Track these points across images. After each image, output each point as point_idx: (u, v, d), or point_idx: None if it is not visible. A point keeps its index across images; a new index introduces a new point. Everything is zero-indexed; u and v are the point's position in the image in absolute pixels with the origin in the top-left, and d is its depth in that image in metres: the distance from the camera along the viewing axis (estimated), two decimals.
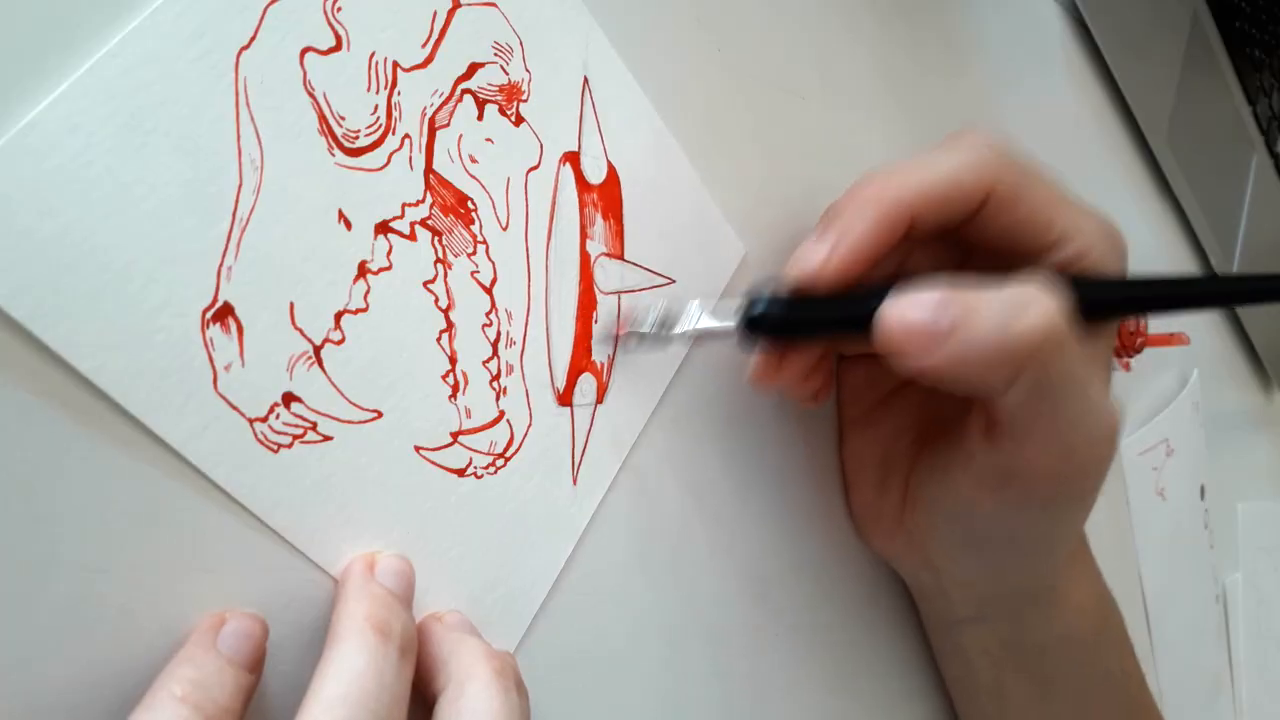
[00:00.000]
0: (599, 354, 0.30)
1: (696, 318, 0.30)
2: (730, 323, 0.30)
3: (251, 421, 0.22)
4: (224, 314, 0.21)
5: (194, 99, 0.21)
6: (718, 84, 0.35)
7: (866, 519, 0.38)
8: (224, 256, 0.21)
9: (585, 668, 0.29)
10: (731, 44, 0.36)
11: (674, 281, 0.32)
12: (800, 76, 0.39)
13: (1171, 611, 0.63)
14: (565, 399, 0.29)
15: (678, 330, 0.30)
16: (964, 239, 0.32)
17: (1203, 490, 0.69)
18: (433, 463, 0.25)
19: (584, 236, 0.30)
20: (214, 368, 0.21)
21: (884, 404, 0.37)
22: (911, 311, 0.27)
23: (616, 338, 0.30)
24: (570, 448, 0.29)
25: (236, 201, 0.22)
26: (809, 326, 0.30)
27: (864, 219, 0.29)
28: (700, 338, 0.30)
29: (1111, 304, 0.32)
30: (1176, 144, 0.70)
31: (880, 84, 0.44)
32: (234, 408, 0.21)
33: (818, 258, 0.29)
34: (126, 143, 0.20)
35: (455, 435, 0.26)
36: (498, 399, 0.27)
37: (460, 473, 0.26)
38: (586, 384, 0.29)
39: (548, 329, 0.29)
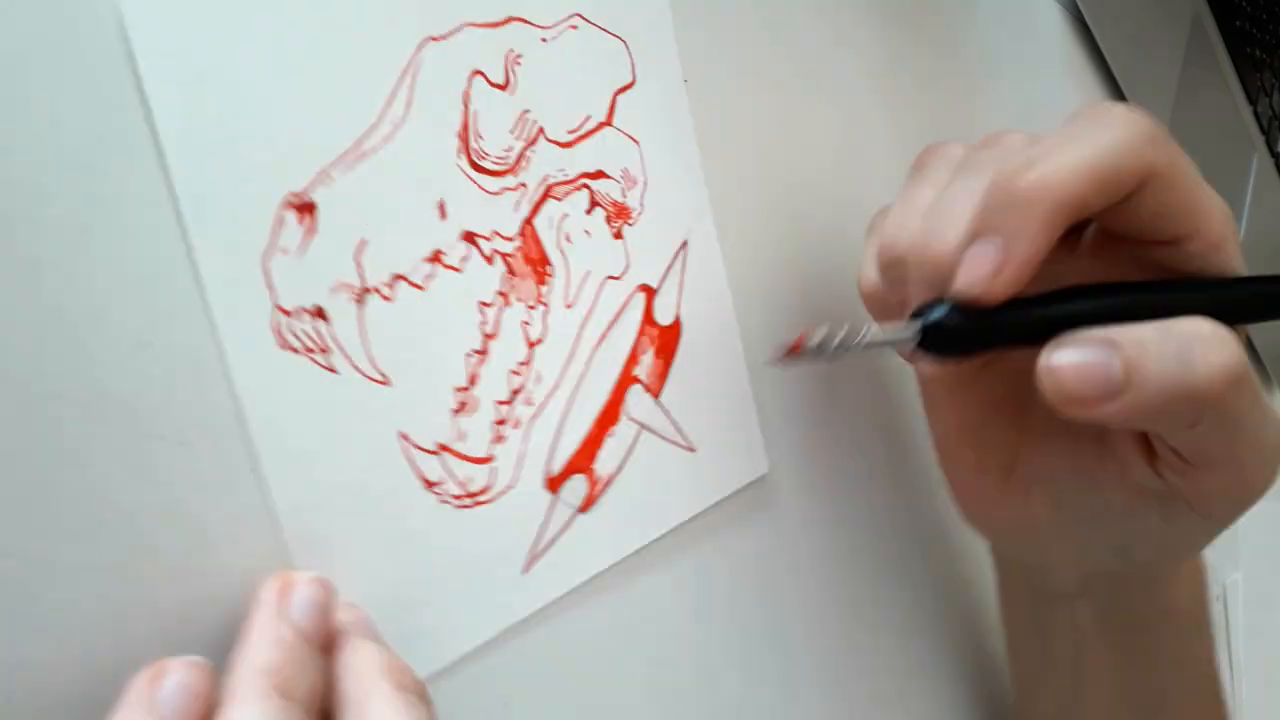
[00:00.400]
0: (607, 466, 0.30)
1: (869, 334, 0.29)
2: (905, 334, 0.28)
3: (278, 308, 0.22)
4: (307, 208, 0.23)
5: (377, 45, 0.24)
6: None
7: (964, 494, 0.35)
8: (335, 165, 0.23)
9: None
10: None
11: (693, 451, 0.33)
12: (802, 77, 0.39)
13: None
14: (554, 486, 0.28)
15: (856, 341, 0.28)
16: (1103, 222, 0.30)
17: None
18: (409, 458, 0.25)
19: (632, 359, 0.31)
20: (275, 242, 0.22)
21: (966, 380, 0.33)
22: (1084, 361, 0.25)
23: (796, 348, 0.29)
24: (536, 535, 0.28)
25: (366, 133, 0.24)
26: (983, 339, 0.28)
27: (1032, 222, 0.26)
28: (870, 347, 0.29)
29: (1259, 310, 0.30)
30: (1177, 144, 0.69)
31: (879, 85, 0.44)
32: (270, 285, 0.22)
33: (986, 272, 0.26)
34: (317, 37, 0.23)
35: (442, 447, 0.26)
36: (493, 443, 0.27)
37: (429, 484, 0.25)
38: (578, 484, 0.29)
39: (566, 414, 0.29)
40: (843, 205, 0.42)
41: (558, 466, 0.28)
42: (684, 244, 0.33)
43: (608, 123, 0.30)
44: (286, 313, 0.23)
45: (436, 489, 0.26)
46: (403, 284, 0.25)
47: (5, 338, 0.19)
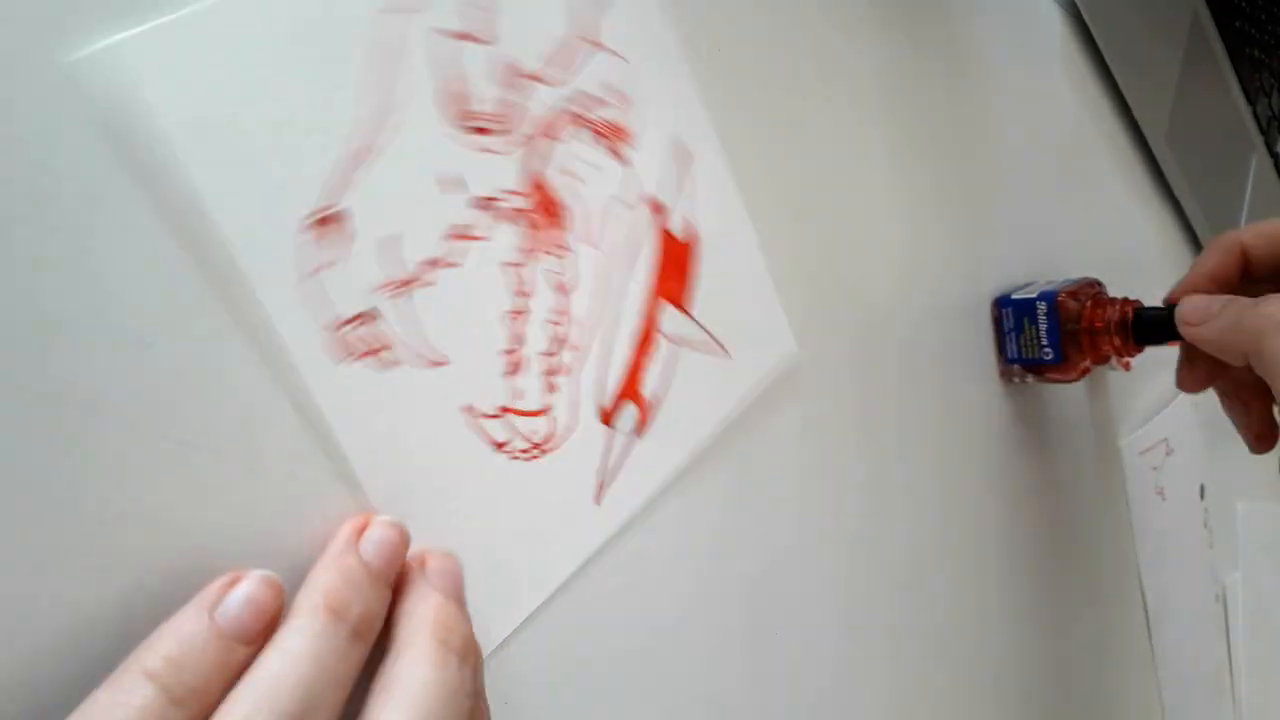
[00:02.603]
0: (652, 388, 0.32)
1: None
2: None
3: (336, 323, 0.24)
4: (338, 218, 0.24)
5: (370, 36, 0.24)
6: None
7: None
8: (357, 170, 0.24)
9: (572, 683, 0.29)
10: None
11: (728, 354, 0.34)
12: (803, 79, 0.40)
13: (1171, 611, 0.62)
14: (608, 419, 0.30)
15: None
16: None
17: (1202, 490, 0.68)
18: (477, 428, 0.27)
19: (658, 280, 0.32)
20: (318, 259, 0.23)
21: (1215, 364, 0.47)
22: (1194, 301, 0.42)
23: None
24: (602, 468, 0.30)
25: (379, 130, 0.25)
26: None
27: (1204, 255, 0.45)
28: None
29: None
30: (1176, 144, 0.70)
31: (880, 86, 0.45)
32: (321, 302, 0.23)
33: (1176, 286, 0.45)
34: (311, 39, 0.23)
35: (504, 410, 0.27)
36: (548, 393, 0.29)
37: (499, 446, 0.27)
38: (629, 412, 0.31)
39: (607, 348, 0.30)
40: (844, 203, 0.42)
41: (609, 399, 0.30)
42: (686, 151, 0.33)
43: (596, 45, 0.30)
44: (346, 322, 0.24)
45: (505, 449, 0.28)
46: (441, 268, 0.26)
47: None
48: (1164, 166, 0.70)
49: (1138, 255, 0.68)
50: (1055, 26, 0.62)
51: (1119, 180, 0.66)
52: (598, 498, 0.30)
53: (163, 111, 0.21)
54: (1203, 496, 0.69)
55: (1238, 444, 0.45)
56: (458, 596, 0.24)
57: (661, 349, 0.32)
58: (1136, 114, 0.67)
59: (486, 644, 0.27)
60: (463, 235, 0.27)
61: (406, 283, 0.25)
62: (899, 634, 0.43)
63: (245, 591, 0.20)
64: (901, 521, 0.43)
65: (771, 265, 0.36)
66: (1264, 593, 0.74)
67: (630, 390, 0.31)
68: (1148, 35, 0.70)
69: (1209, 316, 0.41)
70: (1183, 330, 0.42)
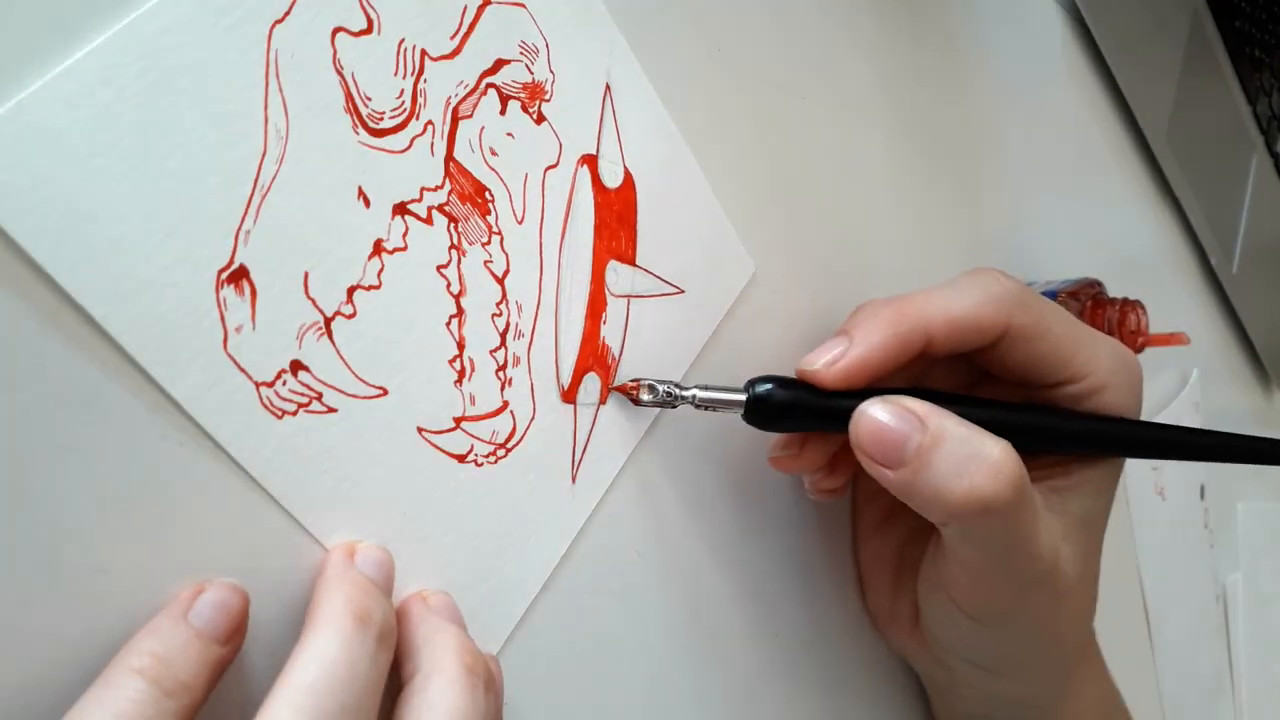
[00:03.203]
0: (610, 351, 0.30)
1: (701, 394, 0.30)
2: (734, 397, 0.30)
3: (258, 385, 0.22)
4: (238, 276, 0.22)
5: (225, 65, 0.22)
6: (725, 93, 0.36)
7: (882, 617, 0.39)
8: (243, 220, 0.22)
9: (575, 666, 0.29)
10: (733, 48, 0.36)
11: (683, 292, 0.33)
12: (801, 79, 0.39)
13: (1171, 611, 0.63)
14: (569, 396, 0.29)
15: (688, 398, 0.30)
16: (982, 364, 0.34)
17: (1202, 490, 0.69)
18: (434, 445, 0.26)
19: (598, 239, 0.30)
20: (225, 328, 0.21)
21: (888, 518, 0.38)
22: (883, 416, 0.29)
23: (627, 392, 0.30)
24: (571, 445, 0.29)
25: (259, 168, 0.22)
26: (805, 415, 0.31)
27: (878, 332, 0.31)
28: (707, 407, 0.30)
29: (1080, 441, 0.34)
30: (1176, 144, 0.70)
31: (880, 86, 0.44)
32: (242, 369, 0.22)
33: (826, 359, 0.31)
34: (156, 100, 0.21)
35: (458, 420, 0.26)
36: (503, 389, 0.27)
37: (461, 459, 0.26)
38: (591, 383, 0.30)
39: (556, 325, 0.29)
40: (843, 203, 0.41)
41: (567, 378, 0.29)
42: (607, 88, 0.31)
43: (485, 1, 0.27)
44: (269, 384, 0.22)
45: (469, 459, 0.27)
46: (359, 292, 0.24)
47: None
48: (1164, 166, 0.69)
49: (1138, 255, 0.68)
50: (1055, 26, 0.61)
51: (1119, 180, 0.66)
52: (573, 476, 0.29)
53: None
54: (1203, 497, 0.69)
55: None
56: (465, 629, 0.25)
57: (614, 308, 0.31)
58: (1136, 114, 0.66)
59: (490, 647, 0.27)
60: (378, 251, 0.25)
61: (328, 320, 0.24)
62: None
63: (214, 596, 0.21)
64: None
65: (766, 281, 0.35)
66: (1264, 593, 0.75)
67: (588, 361, 0.30)
68: (1148, 35, 0.70)
69: (903, 459, 0.28)
70: (864, 462, 0.29)
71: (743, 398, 0.30)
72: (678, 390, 0.30)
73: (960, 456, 0.28)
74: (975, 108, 0.52)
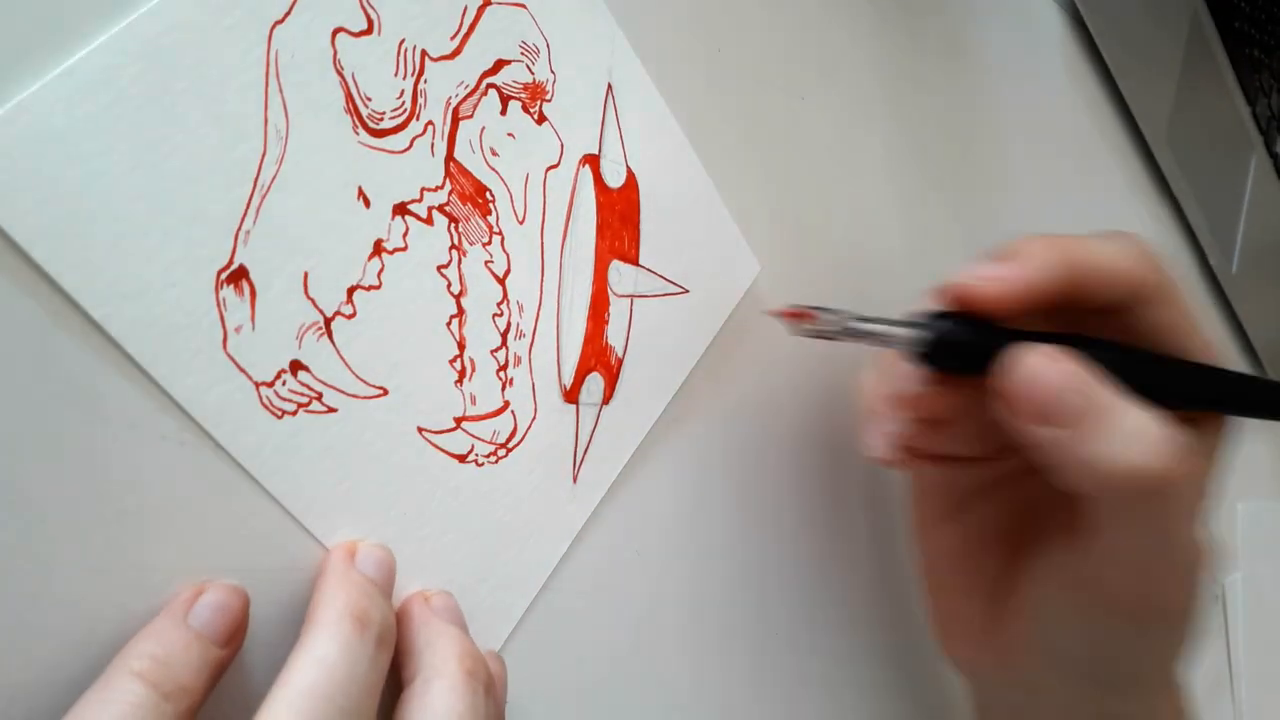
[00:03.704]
0: (613, 351, 0.30)
1: (878, 327, 0.28)
2: (914, 334, 0.28)
3: (258, 385, 0.22)
4: (238, 276, 0.22)
5: (226, 65, 0.22)
6: (727, 91, 0.35)
7: (950, 627, 0.35)
8: (243, 220, 0.22)
9: (575, 667, 0.29)
10: (733, 47, 0.36)
11: (687, 292, 0.33)
12: (801, 79, 0.39)
13: None
14: (571, 396, 0.29)
15: (863, 330, 0.29)
16: (1101, 331, 0.31)
17: None
18: (435, 445, 0.26)
19: (600, 238, 0.30)
20: (224, 328, 0.21)
21: (964, 504, 0.34)
22: (1049, 373, 0.26)
23: (800, 318, 0.29)
24: (573, 445, 0.29)
25: (259, 168, 0.22)
26: (984, 353, 0.28)
27: (1047, 255, 0.28)
28: (875, 341, 0.28)
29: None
30: (1176, 144, 0.69)
31: (880, 86, 0.44)
32: (241, 369, 0.22)
33: (993, 274, 0.28)
34: (157, 100, 0.21)
35: (459, 420, 0.26)
36: (504, 389, 0.27)
37: (461, 459, 0.26)
38: (594, 383, 0.30)
39: (558, 325, 0.29)
40: (842, 204, 0.40)
41: (569, 378, 0.29)
42: (608, 88, 0.31)
43: (486, 1, 0.27)
44: (269, 384, 0.22)
45: (469, 459, 0.27)
46: (359, 293, 0.24)
47: None
48: (1164, 166, 0.69)
49: None
50: (1055, 26, 0.61)
51: (1119, 180, 0.66)
52: (574, 476, 0.29)
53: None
54: None
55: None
56: (467, 631, 0.25)
57: (617, 308, 0.31)
58: (1136, 114, 0.66)
59: (491, 646, 0.27)
60: (378, 251, 0.25)
61: (327, 320, 0.24)
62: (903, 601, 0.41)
63: (214, 598, 0.21)
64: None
65: (772, 279, 0.35)
66: (1264, 593, 0.74)
67: (590, 361, 0.30)
68: (1148, 35, 0.69)
69: (1068, 418, 0.26)
70: (1015, 416, 0.27)
71: (923, 335, 0.28)
72: (854, 321, 0.28)
73: (1130, 427, 0.26)
74: (975, 107, 0.52)
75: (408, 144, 0.25)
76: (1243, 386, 0.31)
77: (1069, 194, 0.60)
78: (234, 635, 0.21)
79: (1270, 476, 0.80)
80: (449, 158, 0.26)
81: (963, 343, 0.28)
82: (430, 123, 0.26)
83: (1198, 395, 0.30)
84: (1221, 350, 0.32)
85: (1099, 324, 0.30)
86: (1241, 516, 0.74)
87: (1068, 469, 0.27)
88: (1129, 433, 0.26)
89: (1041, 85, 0.59)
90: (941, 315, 0.28)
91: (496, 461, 0.27)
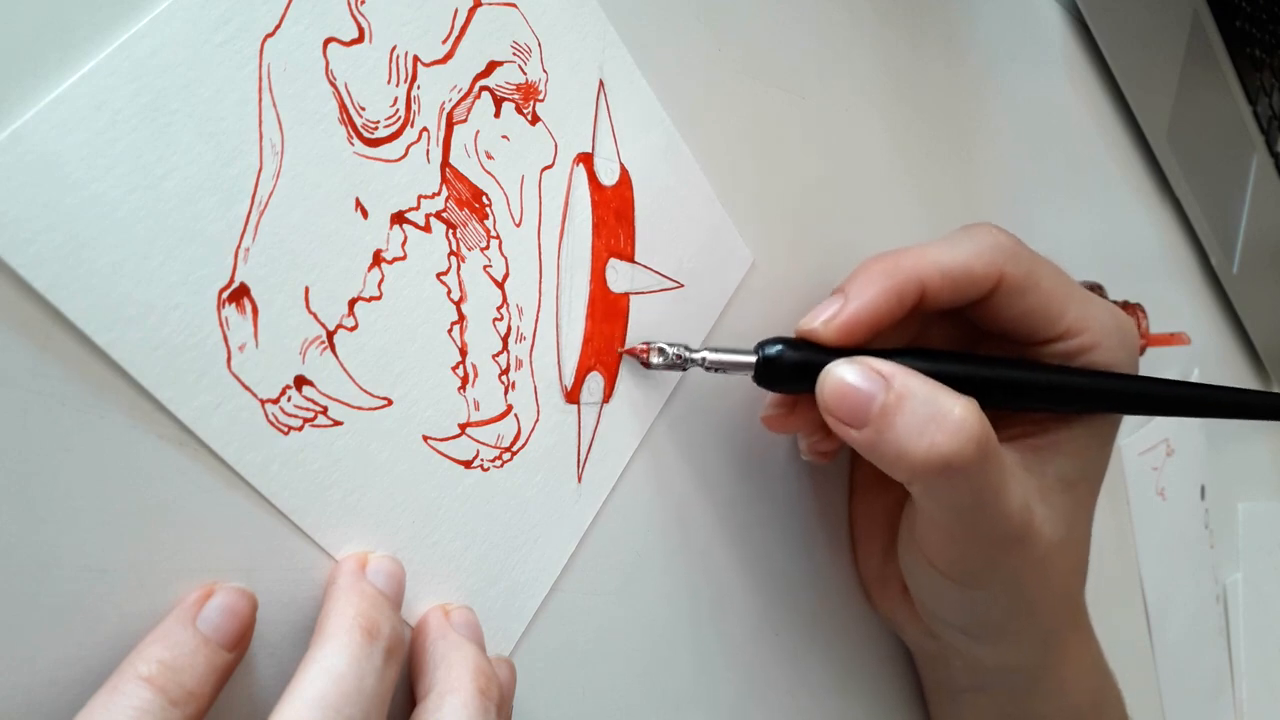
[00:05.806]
0: (612, 349, 0.30)
1: (710, 356, 0.30)
2: (744, 360, 0.30)
3: (263, 402, 0.22)
4: (240, 294, 0.22)
5: (218, 83, 0.22)
6: (722, 87, 0.35)
7: (872, 583, 0.39)
8: (242, 238, 0.22)
9: (586, 666, 0.29)
10: (732, 44, 0.36)
11: (683, 286, 0.33)
12: (800, 77, 0.39)
13: (1172, 611, 0.63)
14: (573, 397, 0.29)
15: (696, 360, 0.30)
16: (978, 321, 0.34)
17: (1203, 490, 0.69)
18: (440, 453, 0.26)
19: (596, 237, 0.30)
20: (228, 347, 0.21)
21: (878, 473, 0.36)
22: (849, 376, 0.29)
23: (638, 355, 0.30)
24: (576, 445, 0.29)
25: (256, 185, 0.22)
26: (815, 375, 0.30)
27: (872, 287, 0.31)
28: (717, 369, 0.30)
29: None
30: (1176, 144, 0.70)
31: (880, 85, 0.44)
32: (246, 388, 0.22)
33: (824, 316, 0.31)
34: (150, 122, 0.20)
35: (463, 427, 0.26)
36: (506, 393, 0.27)
37: (467, 464, 0.26)
38: (594, 383, 0.30)
39: (558, 326, 0.29)
40: (841, 204, 0.40)
41: (570, 379, 0.29)
42: (600, 85, 0.30)
43: (477, 3, 0.27)
44: (274, 401, 0.22)
45: (474, 464, 0.27)
46: (361, 304, 0.24)
47: None
48: (1164, 166, 0.69)
49: (1138, 255, 0.68)
50: (1055, 26, 0.61)
51: (1119, 180, 0.66)
52: (579, 476, 0.29)
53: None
54: (1203, 497, 0.69)
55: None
56: (484, 648, 0.25)
57: (615, 307, 0.31)
58: (1136, 114, 0.66)
59: (502, 649, 0.27)
60: (378, 262, 0.25)
61: (330, 334, 0.24)
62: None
63: (222, 601, 0.21)
64: None
65: (766, 270, 0.35)
66: (1264, 593, 0.75)
67: (591, 360, 0.30)
68: (1148, 35, 0.69)
69: (867, 419, 0.29)
70: (830, 423, 0.30)
71: (753, 359, 0.30)
72: (688, 352, 0.30)
73: (923, 415, 0.28)
74: (975, 106, 0.52)
75: (403, 152, 0.25)
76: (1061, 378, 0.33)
77: (1069, 194, 0.60)
78: (241, 639, 0.21)
79: (1270, 478, 0.82)
80: (444, 164, 0.26)
81: (787, 365, 0.30)
82: (425, 129, 0.26)
83: (1022, 391, 0.32)
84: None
85: (969, 318, 0.34)
86: (1242, 516, 0.75)
87: (877, 461, 0.29)
88: (919, 426, 0.28)
89: (1042, 85, 0.59)
90: (772, 341, 0.31)
91: (502, 466, 0.27)
